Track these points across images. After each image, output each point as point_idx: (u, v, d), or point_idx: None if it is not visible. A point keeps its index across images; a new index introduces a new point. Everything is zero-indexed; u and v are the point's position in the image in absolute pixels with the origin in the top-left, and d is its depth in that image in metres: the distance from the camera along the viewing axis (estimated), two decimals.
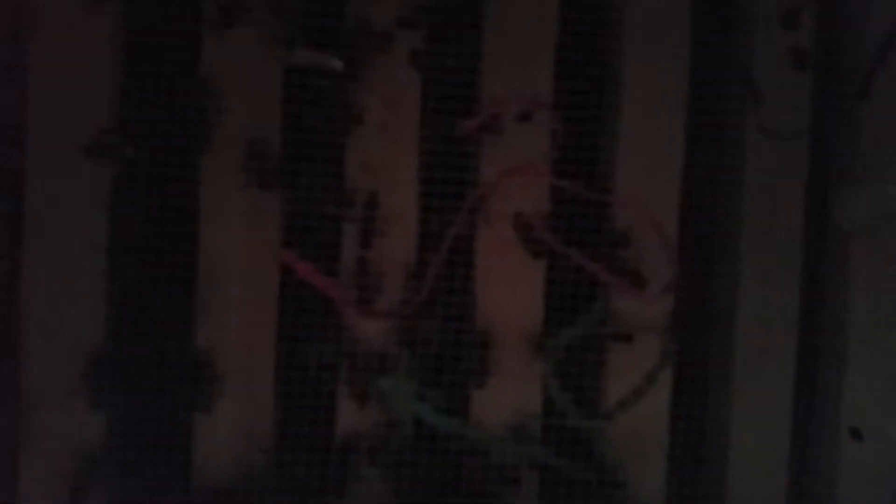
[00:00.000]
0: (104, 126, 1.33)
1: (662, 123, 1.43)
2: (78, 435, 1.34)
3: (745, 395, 1.44)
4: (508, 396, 1.39)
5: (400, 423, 1.38)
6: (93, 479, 1.34)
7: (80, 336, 1.33)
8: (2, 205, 1.33)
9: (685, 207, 1.44)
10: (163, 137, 1.35)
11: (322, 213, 1.38)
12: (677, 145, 1.43)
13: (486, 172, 1.40)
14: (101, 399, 1.34)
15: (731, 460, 1.44)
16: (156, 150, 1.35)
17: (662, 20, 1.43)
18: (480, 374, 1.39)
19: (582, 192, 1.41)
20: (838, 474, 1.46)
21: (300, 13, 1.37)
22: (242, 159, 1.36)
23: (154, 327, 1.35)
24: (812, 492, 1.48)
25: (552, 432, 1.40)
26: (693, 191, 1.44)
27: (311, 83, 1.37)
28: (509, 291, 1.39)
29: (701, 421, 1.45)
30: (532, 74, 1.40)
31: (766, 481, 1.44)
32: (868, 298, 1.47)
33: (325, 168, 1.38)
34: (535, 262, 1.40)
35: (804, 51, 1.45)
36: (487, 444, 1.39)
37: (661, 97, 1.43)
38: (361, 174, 1.38)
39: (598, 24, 1.43)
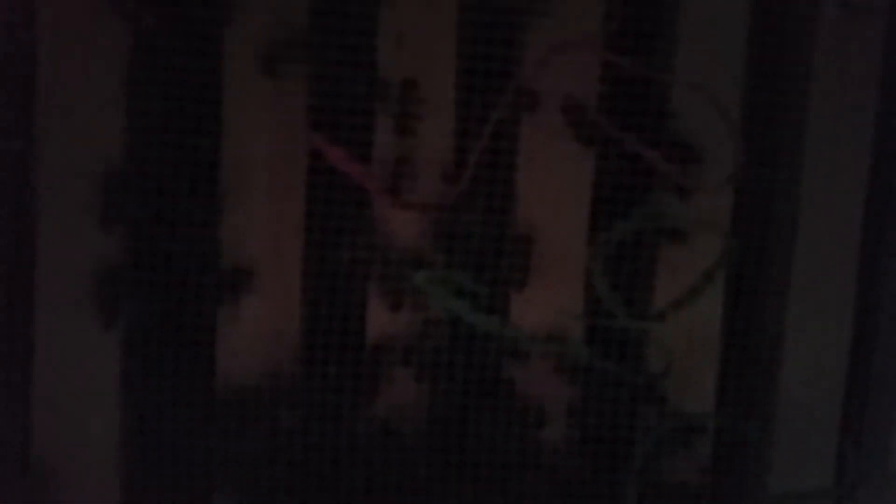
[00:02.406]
0: None
1: None
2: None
3: (803, 301, 1.35)
4: (552, 296, 1.30)
5: (436, 321, 1.30)
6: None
7: (96, 237, 1.25)
8: (15, 88, 1.22)
9: (750, 89, 1.32)
10: (182, 4, 1.23)
11: (353, 93, 1.26)
12: (743, 16, 1.31)
13: (533, 48, 1.27)
14: (122, 307, 1.26)
15: (785, 371, 1.35)
16: (175, 19, 1.23)
17: None
18: (522, 271, 1.30)
19: (640, 70, 1.29)
20: None
21: None
22: (268, 32, 1.24)
23: (177, 220, 1.26)
24: (872, 402, 1.40)
25: (598, 333, 1.32)
26: (759, 70, 1.32)
27: None
28: (556, 182, 1.29)
29: (757, 327, 1.35)
30: None
31: (821, 394, 1.36)
32: None
33: (356, 42, 1.26)
34: (586, 150, 1.29)
35: None
36: (528, 344, 1.31)
37: None
38: (396, 50, 1.26)
39: None
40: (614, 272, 1.31)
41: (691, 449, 1.35)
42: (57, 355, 1.25)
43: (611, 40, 1.28)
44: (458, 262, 1.29)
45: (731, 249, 1.32)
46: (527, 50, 1.27)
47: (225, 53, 1.24)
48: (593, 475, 1.34)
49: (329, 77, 1.26)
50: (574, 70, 1.28)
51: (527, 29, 1.27)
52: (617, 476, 1.34)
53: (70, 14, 1.21)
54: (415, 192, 1.28)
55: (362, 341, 1.30)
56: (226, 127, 1.24)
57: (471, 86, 1.27)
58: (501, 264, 1.30)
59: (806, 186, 1.34)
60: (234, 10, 1.23)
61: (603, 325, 1.31)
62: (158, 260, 1.26)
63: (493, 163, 1.28)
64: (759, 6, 1.31)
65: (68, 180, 1.23)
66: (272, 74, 1.24)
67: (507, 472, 1.33)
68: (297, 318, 1.28)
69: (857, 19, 1.33)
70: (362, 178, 1.26)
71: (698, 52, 1.30)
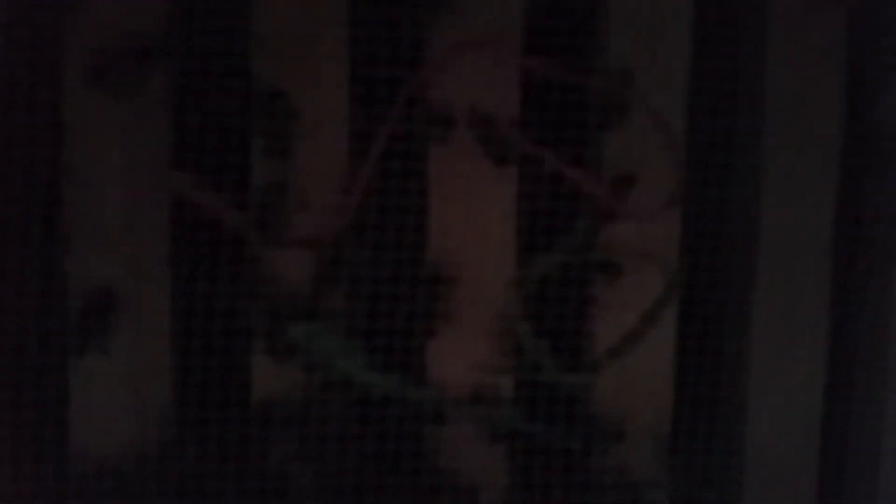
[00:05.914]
0: None
1: None
2: None
3: (770, 333, 1.19)
4: (467, 347, 1.13)
5: (323, 383, 1.11)
6: None
7: None
8: None
9: (695, 94, 1.17)
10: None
11: (220, 107, 1.08)
12: (686, 7, 1.15)
13: (432, 48, 1.10)
14: None
15: (751, 416, 1.19)
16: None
17: None
18: (431, 318, 1.13)
19: (561, 74, 1.12)
20: (886, 419, 1.22)
21: None
22: (118, 32, 1.06)
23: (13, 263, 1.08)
24: (852, 456, 1.23)
25: (523, 390, 1.15)
26: (706, 73, 1.17)
27: None
28: (468, 210, 1.12)
29: (715, 370, 1.19)
30: None
31: (793, 451, 1.20)
32: None
33: (225, 44, 1.08)
34: (501, 171, 1.12)
35: None
36: (439, 407, 1.13)
37: None
38: (269, 55, 1.08)
39: None
40: (539, 316, 1.15)
41: None
42: None
43: (527, 39, 1.12)
44: (349, 310, 1.11)
45: (675, 284, 1.17)
46: (427, 52, 1.10)
47: (65, 74, 1.06)
48: None
49: (190, 91, 1.08)
50: (482, 76, 1.11)
51: (429, 26, 1.10)
52: None
53: None
54: (294, 226, 1.10)
55: (246, 405, 1.12)
56: (69, 159, 1.08)
57: (358, 95, 1.10)
58: (403, 309, 1.12)
59: (766, 207, 1.19)
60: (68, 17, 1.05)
61: (528, 381, 1.14)
62: None
63: (386, 187, 1.11)
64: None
65: None
66: (120, 94, 1.07)
67: None
68: (165, 379, 1.10)
69: (814, 13, 1.18)
70: (221, 214, 1.08)
71: (633, 50, 1.14)
